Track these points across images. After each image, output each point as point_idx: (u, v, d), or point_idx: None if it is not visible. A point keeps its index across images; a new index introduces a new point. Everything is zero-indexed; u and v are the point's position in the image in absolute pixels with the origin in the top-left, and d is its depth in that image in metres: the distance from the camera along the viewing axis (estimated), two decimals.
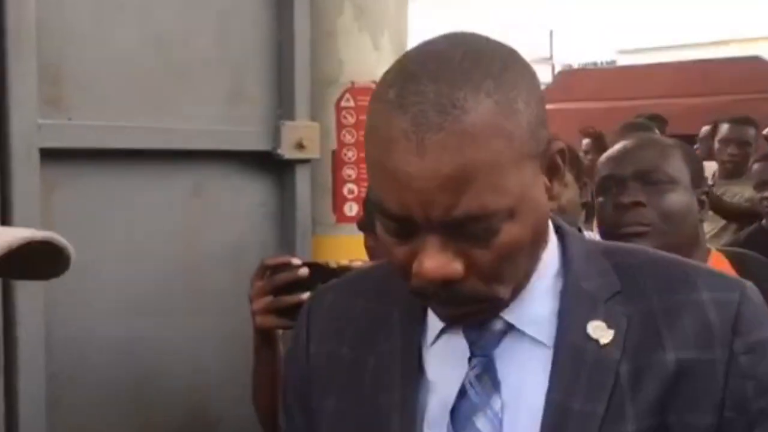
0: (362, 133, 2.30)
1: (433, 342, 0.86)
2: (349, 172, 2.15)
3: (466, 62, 0.75)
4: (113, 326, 1.72)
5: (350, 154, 2.16)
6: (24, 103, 1.52)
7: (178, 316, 1.77)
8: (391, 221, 0.77)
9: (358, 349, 0.89)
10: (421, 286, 0.77)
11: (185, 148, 1.81)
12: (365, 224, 1.63)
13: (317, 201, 2.08)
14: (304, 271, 1.30)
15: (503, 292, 0.79)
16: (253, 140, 1.95)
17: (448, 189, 0.72)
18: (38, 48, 1.55)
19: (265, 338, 1.39)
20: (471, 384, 0.83)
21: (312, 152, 2.02)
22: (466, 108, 0.72)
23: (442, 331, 0.86)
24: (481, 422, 0.82)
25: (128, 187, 1.74)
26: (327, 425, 0.90)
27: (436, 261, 0.74)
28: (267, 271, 1.34)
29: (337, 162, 2.15)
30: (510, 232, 0.75)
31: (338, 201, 2.15)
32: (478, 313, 0.81)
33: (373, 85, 1.41)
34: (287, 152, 1.96)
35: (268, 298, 1.32)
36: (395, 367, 0.86)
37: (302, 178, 2.02)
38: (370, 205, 1.62)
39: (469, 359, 0.84)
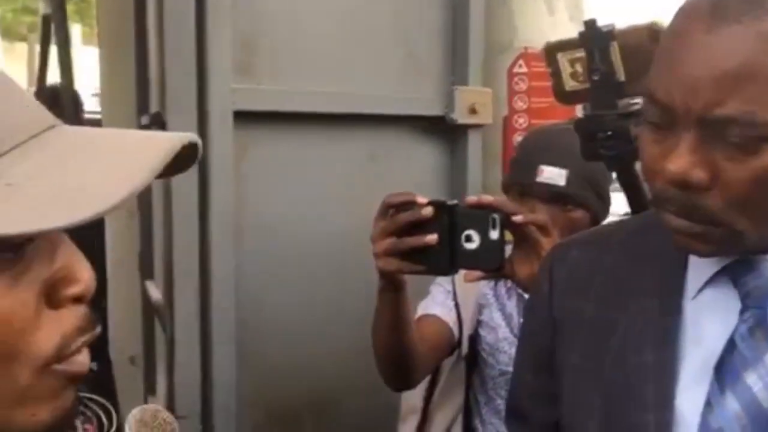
0: (534, 99, 2.27)
1: (695, 295, 0.80)
2: (520, 139, 2.14)
3: None
4: (294, 278, 1.84)
5: (521, 121, 2.15)
6: (220, 69, 1.67)
7: (353, 271, 1.86)
8: (654, 107, 0.72)
9: (606, 307, 0.85)
10: (662, 188, 0.73)
11: (363, 112, 1.89)
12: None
13: (487, 167, 2.09)
14: (428, 210, 1.16)
15: (743, 224, 0.71)
16: (427, 105, 2.00)
17: (719, 83, 0.67)
18: (233, 21, 1.68)
19: (388, 281, 1.23)
20: (742, 337, 0.76)
21: (484, 117, 2.03)
22: None
23: (707, 283, 0.79)
24: (751, 378, 0.74)
25: (311, 149, 1.85)
26: (570, 381, 0.87)
27: (682, 161, 0.69)
28: (390, 209, 1.19)
29: (508, 128, 2.15)
30: None
31: (508, 168, 2.14)
32: (711, 241, 0.73)
33: None
34: (460, 117, 1.99)
35: (391, 240, 1.17)
36: (649, 328, 0.80)
37: (474, 144, 2.05)
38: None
39: (741, 312, 0.77)
